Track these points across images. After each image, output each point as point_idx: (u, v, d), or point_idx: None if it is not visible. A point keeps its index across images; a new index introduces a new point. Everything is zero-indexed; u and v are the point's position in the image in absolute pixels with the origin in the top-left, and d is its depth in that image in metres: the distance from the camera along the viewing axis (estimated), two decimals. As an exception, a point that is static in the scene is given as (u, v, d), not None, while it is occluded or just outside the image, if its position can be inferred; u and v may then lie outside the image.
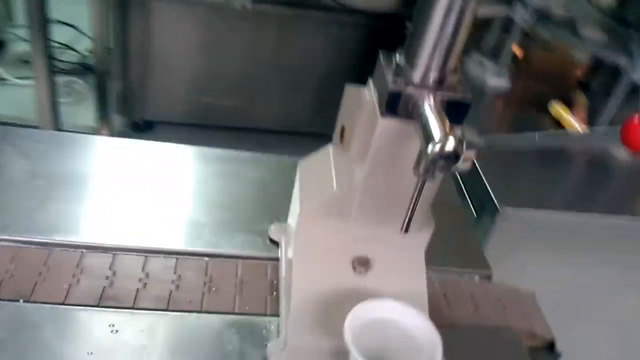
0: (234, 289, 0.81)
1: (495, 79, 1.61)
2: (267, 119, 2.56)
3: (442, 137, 0.50)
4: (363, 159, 0.63)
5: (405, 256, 0.78)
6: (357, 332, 0.64)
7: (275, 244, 0.89)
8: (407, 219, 0.60)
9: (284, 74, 2.44)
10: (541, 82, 1.70)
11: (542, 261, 1.24)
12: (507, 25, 1.63)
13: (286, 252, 0.84)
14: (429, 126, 0.53)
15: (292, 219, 0.87)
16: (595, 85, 1.58)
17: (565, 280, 1.32)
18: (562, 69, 1.71)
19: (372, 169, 0.61)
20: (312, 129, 2.52)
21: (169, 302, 0.76)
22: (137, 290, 0.77)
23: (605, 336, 1.47)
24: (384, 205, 0.65)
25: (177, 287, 0.79)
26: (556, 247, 1.24)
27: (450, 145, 0.50)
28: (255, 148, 1.08)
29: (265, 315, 0.78)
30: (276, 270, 0.85)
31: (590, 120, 1.44)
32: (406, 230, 0.61)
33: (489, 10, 1.63)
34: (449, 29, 0.54)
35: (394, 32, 2.30)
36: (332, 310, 0.74)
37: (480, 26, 1.78)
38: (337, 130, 0.75)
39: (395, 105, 0.56)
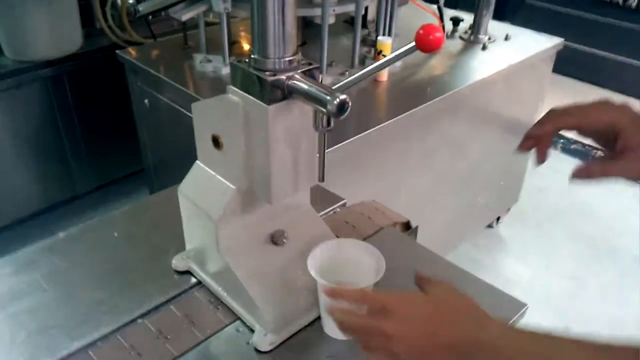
0: (185, 325, 0.85)
1: (227, 68, 1.78)
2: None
3: (332, 96, 0.66)
4: (260, 148, 0.74)
5: (303, 214, 0.92)
6: (318, 267, 0.78)
7: (184, 273, 0.94)
8: (321, 170, 0.74)
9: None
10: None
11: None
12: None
13: (207, 269, 0.91)
14: (315, 93, 0.67)
15: (194, 242, 0.93)
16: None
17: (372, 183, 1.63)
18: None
19: (274, 149, 0.73)
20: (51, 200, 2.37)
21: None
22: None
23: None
24: (290, 176, 0.78)
25: (139, 354, 0.79)
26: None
27: (341, 98, 0.66)
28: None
29: (228, 325, 0.85)
30: (206, 292, 0.90)
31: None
32: (323, 179, 0.76)
33: (189, 12, 1.77)
34: (282, 22, 0.69)
35: (88, 69, 2.27)
36: (282, 281, 0.85)
37: (185, 29, 1.93)
38: (202, 143, 0.83)
39: (278, 91, 0.69)
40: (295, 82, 0.70)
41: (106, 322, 0.84)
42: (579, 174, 0.69)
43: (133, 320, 0.85)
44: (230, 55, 1.76)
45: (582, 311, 2.15)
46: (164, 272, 0.93)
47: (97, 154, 2.43)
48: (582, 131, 0.70)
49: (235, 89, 0.74)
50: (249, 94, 0.72)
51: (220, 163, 0.82)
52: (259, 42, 0.70)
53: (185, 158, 0.90)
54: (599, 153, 3.16)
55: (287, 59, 0.71)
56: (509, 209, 2.61)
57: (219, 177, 0.83)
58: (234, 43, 1.97)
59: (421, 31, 0.75)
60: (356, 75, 0.79)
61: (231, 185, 0.81)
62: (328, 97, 0.66)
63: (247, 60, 0.73)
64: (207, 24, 1.87)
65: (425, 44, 0.75)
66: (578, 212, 2.71)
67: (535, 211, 2.71)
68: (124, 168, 2.51)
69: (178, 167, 0.91)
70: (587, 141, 0.70)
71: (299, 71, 0.71)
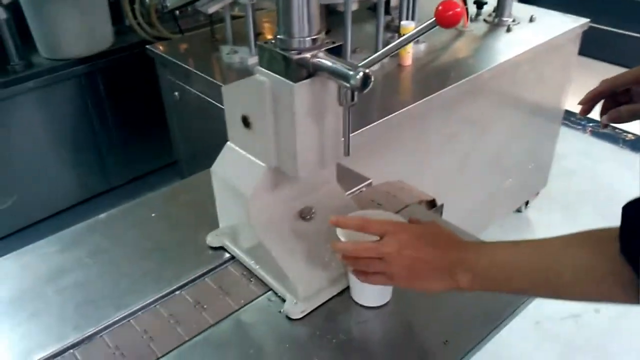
0: (220, 296, 0.89)
1: (253, 58, 1.83)
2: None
3: (355, 71, 0.69)
4: (287, 125, 0.78)
5: (330, 191, 0.96)
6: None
7: (218, 249, 0.98)
8: (347, 144, 0.78)
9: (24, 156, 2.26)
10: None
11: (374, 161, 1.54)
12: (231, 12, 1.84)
13: (240, 245, 0.95)
14: (339, 68, 0.71)
15: (227, 220, 0.98)
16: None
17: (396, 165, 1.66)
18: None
19: (300, 124, 0.77)
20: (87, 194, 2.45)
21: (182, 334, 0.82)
22: (148, 345, 0.81)
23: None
24: (316, 152, 0.81)
25: (177, 321, 0.84)
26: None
27: (364, 72, 0.69)
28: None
29: (260, 296, 0.89)
30: (239, 265, 0.95)
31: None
32: (348, 153, 0.79)
33: (215, 4, 1.82)
34: (306, 2, 0.72)
35: (119, 65, 2.35)
36: (311, 254, 0.89)
37: (212, 23, 1.98)
38: (233, 124, 0.88)
39: (303, 70, 0.73)
40: (319, 59, 0.73)
41: (147, 294, 0.89)
42: (610, 116, 0.80)
43: (171, 292, 0.90)
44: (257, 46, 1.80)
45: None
46: (199, 249, 0.98)
47: (130, 147, 2.51)
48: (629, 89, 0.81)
49: (263, 69, 0.78)
50: (276, 73, 0.76)
51: (250, 142, 0.86)
52: (284, 23, 0.74)
53: (215, 148, 0.94)
54: (629, 136, 3.13)
55: (312, 37, 0.74)
56: (537, 193, 2.60)
57: (249, 156, 0.87)
58: (259, 34, 2.01)
59: (440, 7, 0.77)
60: (379, 52, 0.81)
61: (261, 163, 0.85)
62: (351, 72, 0.69)
63: (273, 41, 0.77)
64: (233, 18, 1.91)
65: (445, 18, 0.77)
66: (607, 195, 2.68)
67: (564, 195, 2.70)
68: (156, 160, 2.58)
69: (208, 157, 0.95)
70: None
71: (323, 49, 0.75)
